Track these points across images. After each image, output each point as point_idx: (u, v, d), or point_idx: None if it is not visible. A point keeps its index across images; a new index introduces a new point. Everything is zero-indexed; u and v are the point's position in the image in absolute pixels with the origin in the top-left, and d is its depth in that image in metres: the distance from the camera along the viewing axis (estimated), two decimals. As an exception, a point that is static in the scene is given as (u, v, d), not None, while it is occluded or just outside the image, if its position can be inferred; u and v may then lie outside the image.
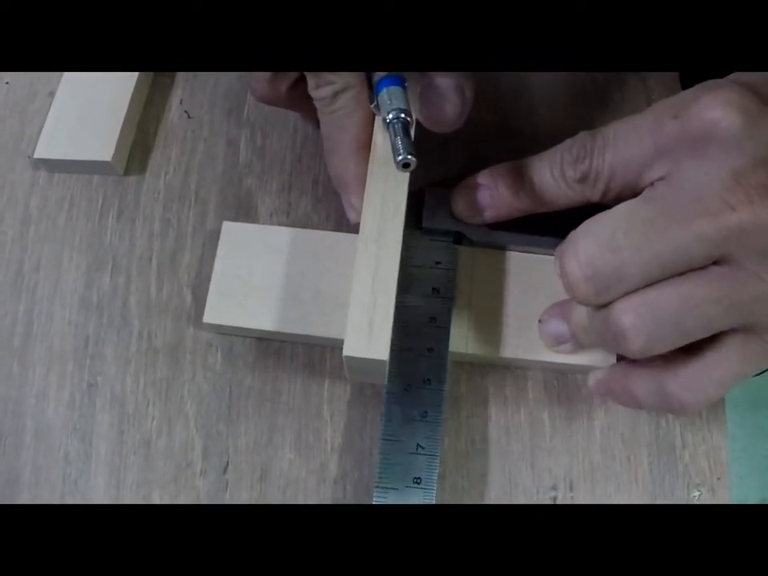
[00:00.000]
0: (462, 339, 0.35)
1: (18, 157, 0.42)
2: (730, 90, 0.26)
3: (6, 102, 0.44)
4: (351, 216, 0.35)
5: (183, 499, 0.35)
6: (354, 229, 0.33)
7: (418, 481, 0.32)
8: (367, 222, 0.32)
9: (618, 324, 0.27)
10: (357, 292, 0.31)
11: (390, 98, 0.31)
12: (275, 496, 0.35)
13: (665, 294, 0.26)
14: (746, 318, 0.27)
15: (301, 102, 0.36)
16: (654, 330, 0.27)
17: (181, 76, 0.44)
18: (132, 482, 0.36)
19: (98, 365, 0.38)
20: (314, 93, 0.33)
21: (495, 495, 0.35)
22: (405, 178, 0.33)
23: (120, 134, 0.41)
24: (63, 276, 0.39)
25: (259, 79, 0.35)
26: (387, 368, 0.32)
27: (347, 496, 0.35)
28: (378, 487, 0.32)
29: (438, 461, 0.33)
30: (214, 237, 0.39)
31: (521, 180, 0.32)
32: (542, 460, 0.36)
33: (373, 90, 0.32)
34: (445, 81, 0.32)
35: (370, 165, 0.33)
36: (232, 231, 0.38)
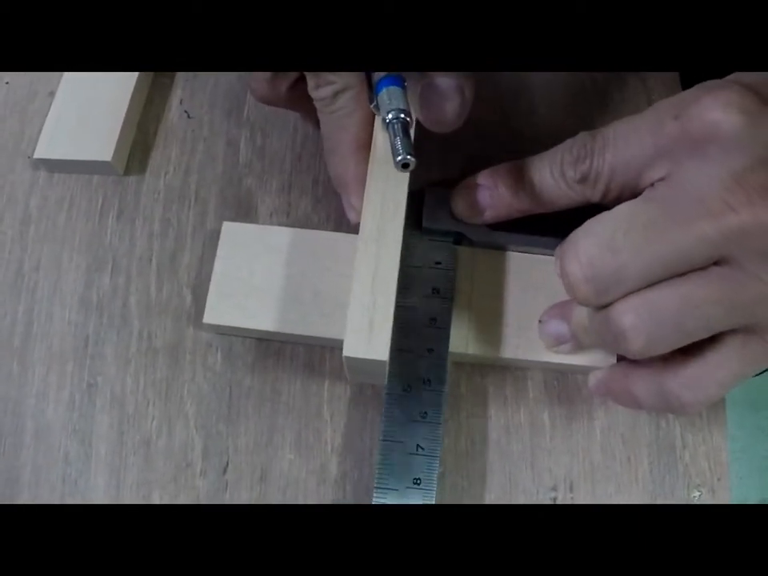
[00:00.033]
0: (462, 339, 0.35)
1: (17, 157, 0.42)
2: (731, 91, 0.26)
3: (6, 101, 0.44)
4: (351, 216, 0.35)
5: (183, 499, 0.35)
6: (354, 229, 0.33)
7: (418, 481, 0.32)
8: (367, 222, 0.32)
9: (618, 325, 0.27)
10: (357, 292, 0.31)
11: (390, 98, 0.31)
12: (275, 496, 0.35)
13: (665, 295, 0.26)
14: (747, 319, 0.27)
15: (301, 102, 0.35)
16: (654, 330, 0.27)
17: (181, 76, 0.44)
18: (132, 482, 0.36)
19: (97, 365, 0.37)
20: (314, 93, 0.33)
21: (495, 495, 0.35)
22: (405, 178, 0.33)
23: (120, 134, 0.41)
24: (63, 276, 0.39)
25: (259, 79, 0.35)
26: (387, 368, 0.32)
27: (347, 496, 0.35)
28: (377, 488, 0.32)
29: (437, 461, 0.33)
30: (214, 237, 0.38)
31: (521, 180, 0.32)
32: (542, 460, 0.36)
33: (372, 90, 0.32)
34: (445, 81, 0.32)
35: (370, 165, 0.33)
36: (232, 231, 0.38)
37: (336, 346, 0.36)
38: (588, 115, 0.42)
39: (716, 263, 0.26)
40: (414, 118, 0.32)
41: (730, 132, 0.25)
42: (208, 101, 0.43)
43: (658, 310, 0.26)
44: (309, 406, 0.36)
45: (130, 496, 0.35)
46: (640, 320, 0.27)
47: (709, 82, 0.27)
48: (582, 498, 0.35)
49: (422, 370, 0.34)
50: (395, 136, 0.30)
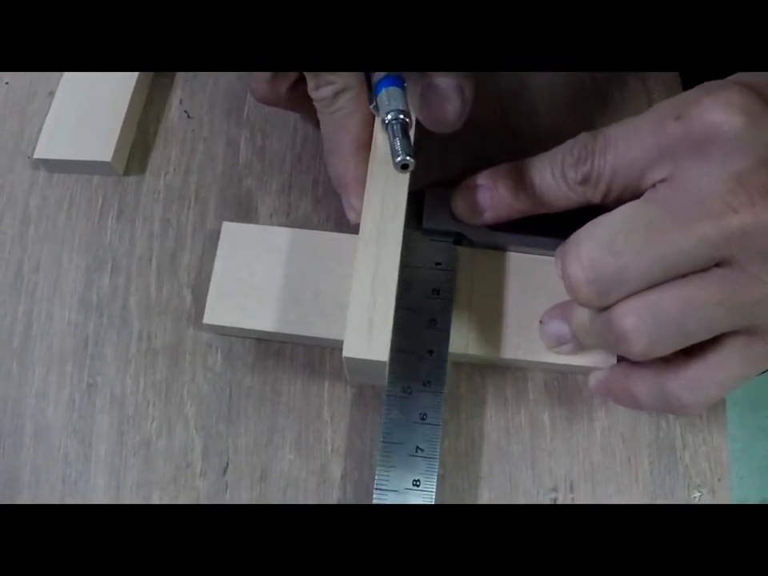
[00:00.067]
0: (462, 340, 0.35)
1: (17, 157, 0.42)
2: (732, 92, 0.26)
3: (6, 101, 0.44)
4: (351, 216, 0.35)
5: (183, 500, 0.35)
6: (354, 229, 0.33)
7: (417, 483, 0.32)
8: (367, 223, 0.32)
9: (619, 326, 0.27)
10: (356, 293, 0.31)
11: (389, 98, 0.31)
12: (275, 497, 0.35)
13: (667, 297, 0.26)
14: (748, 320, 0.27)
15: (301, 102, 0.35)
16: (655, 332, 0.26)
17: (181, 76, 0.44)
18: (132, 482, 0.36)
19: (97, 365, 0.37)
20: (314, 93, 0.33)
21: (495, 496, 0.35)
22: (405, 178, 0.33)
23: (120, 134, 0.41)
24: (63, 276, 0.39)
25: (259, 80, 0.35)
26: (387, 369, 0.32)
27: (347, 497, 0.35)
28: (377, 489, 0.32)
29: (437, 463, 0.33)
30: (214, 237, 0.38)
31: (521, 181, 0.32)
32: (542, 461, 0.35)
33: (372, 91, 0.32)
34: (445, 81, 0.32)
35: (370, 165, 0.33)
36: (232, 231, 0.38)
37: (336, 346, 0.36)
38: (588, 115, 0.42)
39: (717, 264, 0.26)
40: (413, 119, 0.32)
41: (731, 133, 0.25)
42: (208, 101, 0.43)
43: (660, 312, 0.26)
44: (309, 406, 0.36)
45: (129, 496, 0.35)
46: (641, 322, 0.27)
47: (710, 83, 0.27)
48: (583, 498, 0.35)
49: (422, 372, 0.34)
50: (394, 137, 0.30)
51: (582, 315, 0.32)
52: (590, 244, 0.27)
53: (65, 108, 0.42)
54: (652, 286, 0.27)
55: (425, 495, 0.32)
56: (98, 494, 0.35)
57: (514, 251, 0.37)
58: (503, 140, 0.41)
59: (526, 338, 0.35)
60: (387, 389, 0.34)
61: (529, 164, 0.32)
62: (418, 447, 0.33)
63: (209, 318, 0.36)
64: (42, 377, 0.37)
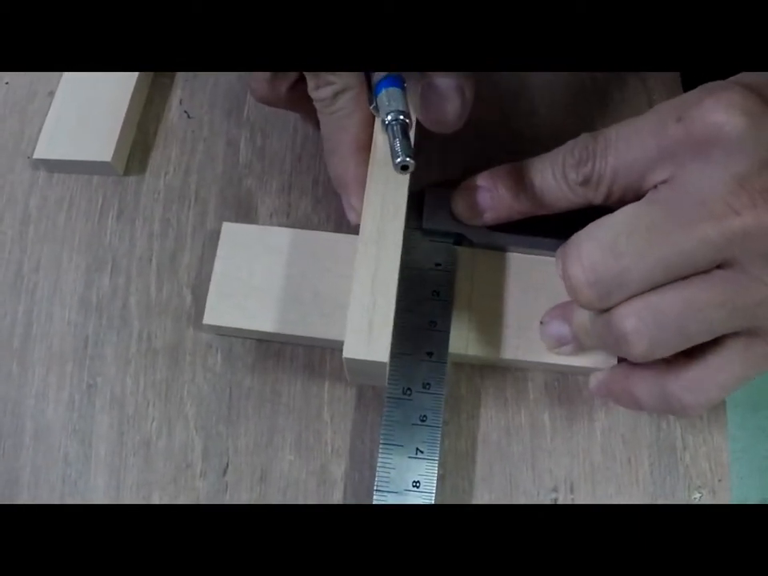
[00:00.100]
0: (462, 341, 0.35)
1: (17, 157, 0.42)
2: (733, 92, 0.26)
3: (6, 101, 0.44)
4: (351, 217, 0.35)
5: (183, 500, 0.35)
6: (354, 230, 0.33)
7: (417, 484, 0.32)
8: (367, 223, 0.32)
9: (620, 328, 0.27)
10: (356, 293, 0.31)
11: (389, 99, 0.31)
12: (275, 497, 0.35)
13: (668, 298, 0.26)
14: (750, 322, 0.27)
15: (301, 102, 0.35)
16: (656, 334, 0.26)
17: (180, 76, 0.44)
18: (132, 483, 0.35)
19: (97, 365, 0.37)
20: (314, 93, 0.33)
21: (496, 497, 0.35)
22: (405, 179, 0.33)
23: (120, 134, 0.41)
24: (63, 276, 0.39)
25: (259, 80, 0.35)
26: (387, 370, 0.32)
27: (347, 498, 0.35)
28: (377, 490, 0.32)
29: (437, 464, 0.33)
30: (214, 237, 0.38)
31: (521, 182, 0.32)
32: (542, 461, 0.35)
33: (372, 92, 0.32)
34: (445, 81, 0.32)
35: (370, 166, 0.33)
36: (232, 232, 0.38)
37: (336, 347, 0.35)
38: (588, 116, 0.42)
39: (719, 266, 0.26)
40: (413, 120, 0.32)
41: (732, 134, 0.25)
42: (208, 101, 0.43)
43: (661, 314, 0.26)
44: (309, 407, 0.36)
45: (129, 497, 0.35)
46: (642, 324, 0.27)
47: (711, 84, 0.27)
48: (583, 499, 0.35)
49: (422, 374, 0.34)
50: (394, 137, 0.30)
51: (582, 316, 0.32)
52: (592, 245, 0.27)
53: (65, 108, 0.42)
54: (653, 288, 0.27)
55: (425, 496, 0.32)
56: (98, 495, 0.35)
57: (515, 252, 0.37)
58: (503, 140, 0.41)
59: (527, 339, 0.35)
60: (387, 390, 0.34)
61: (529, 165, 0.32)
62: (417, 449, 0.33)
63: (209, 319, 0.36)
64: (42, 377, 0.37)
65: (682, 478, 0.35)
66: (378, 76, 0.32)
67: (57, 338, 0.38)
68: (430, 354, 0.34)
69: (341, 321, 0.33)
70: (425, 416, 0.33)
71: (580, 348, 0.34)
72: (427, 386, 0.34)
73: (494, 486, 0.35)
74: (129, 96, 0.41)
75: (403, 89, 0.31)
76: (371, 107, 0.33)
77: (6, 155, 0.42)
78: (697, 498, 0.35)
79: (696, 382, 0.28)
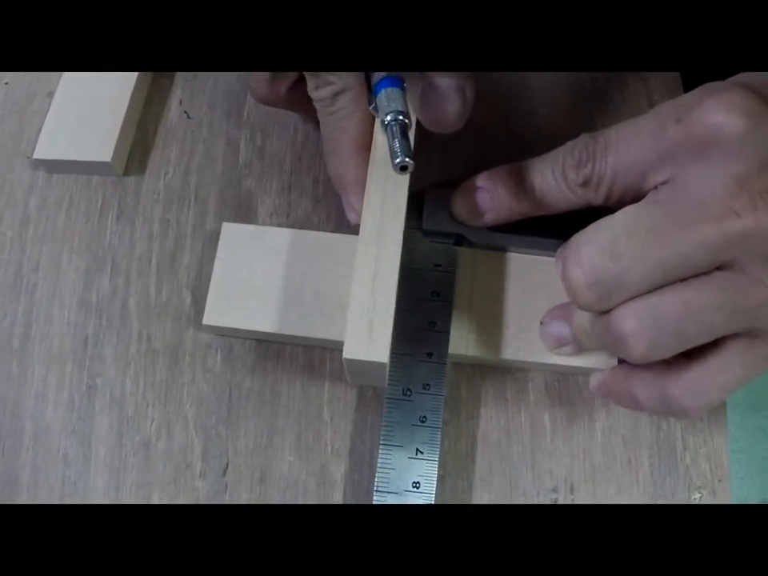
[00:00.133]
0: (462, 341, 0.35)
1: (17, 157, 0.42)
2: (733, 93, 0.26)
3: (6, 102, 0.44)
4: (351, 217, 0.35)
5: (183, 501, 0.35)
6: (354, 230, 0.33)
7: (417, 485, 0.32)
8: (367, 224, 0.32)
9: (619, 329, 0.27)
10: (356, 294, 0.31)
11: (388, 99, 0.31)
12: (275, 498, 0.35)
13: (667, 300, 0.26)
14: (750, 323, 0.27)
15: (300, 102, 0.35)
16: (655, 335, 0.26)
17: (180, 76, 0.44)
18: (131, 483, 0.35)
19: (97, 366, 0.37)
20: (314, 94, 0.33)
21: (495, 497, 0.35)
22: (405, 179, 0.32)
23: (119, 134, 0.40)
24: (62, 277, 0.39)
25: (259, 80, 0.35)
26: (387, 371, 0.32)
27: (347, 498, 0.35)
28: (377, 491, 0.32)
29: (437, 465, 0.33)
30: (214, 238, 0.38)
31: (521, 183, 0.32)
32: (542, 462, 0.35)
33: (371, 92, 0.32)
34: (445, 81, 0.32)
35: (370, 166, 0.33)
36: (232, 232, 0.38)
37: (336, 347, 0.35)
38: (588, 116, 0.42)
39: (719, 268, 0.26)
40: (412, 120, 0.32)
41: (732, 135, 0.25)
42: (208, 101, 0.43)
43: (660, 316, 0.26)
44: (309, 407, 0.36)
45: (129, 497, 0.35)
46: (642, 325, 0.26)
47: (711, 84, 0.27)
48: (583, 499, 0.35)
49: (422, 374, 0.34)
50: (393, 138, 0.30)
51: (582, 317, 0.32)
52: (591, 247, 0.27)
53: (64, 108, 0.41)
54: (652, 290, 0.26)
55: (425, 497, 0.32)
56: (98, 495, 0.35)
57: (515, 252, 0.37)
58: (503, 141, 0.41)
59: (527, 339, 0.35)
60: (387, 391, 0.34)
61: (529, 165, 0.32)
62: (417, 449, 0.33)
63: (208, 319, 0.36)
64: (42, 378, 0.37)
65: (682, 478, 0.35)
66: (377, 76, 0.32)
67: (56, 339, 0.38)
68: (429, 354, 0.34)
69: (341, 321, 0.33)
70: (425, 417, 0.33)
71: (580, 349, 0.34)
72: (427, 387, 0.34)
73: (494, 486, 0.35)
74: (128, 96, 0.41)
75: (403, 89, 0.31)
76: (370, 108, 0.33)
77: (5, 155, 0.42)
78: (697, 498, 0.35)
79: (696, 384, 0.28)
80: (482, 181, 0.34)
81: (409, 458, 0.33)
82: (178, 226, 0.40)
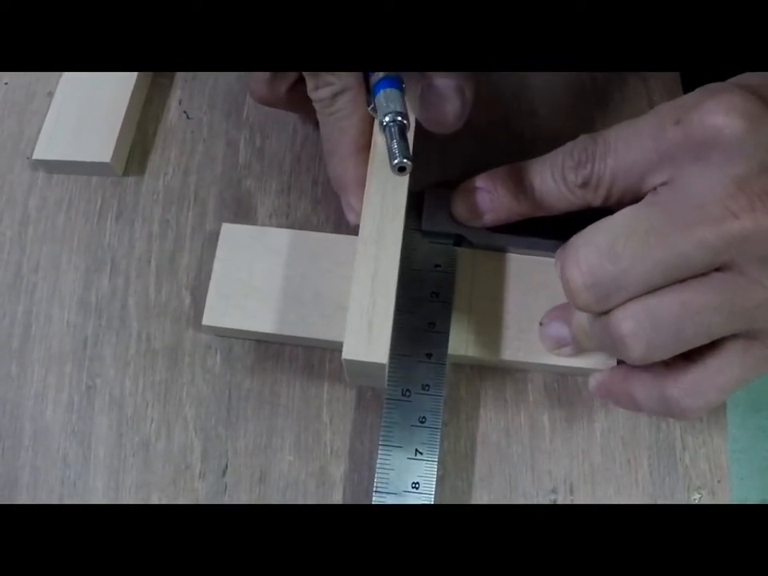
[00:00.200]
0: (461, 342, 0.35)
1: (16, 157, 0.42)
2: (733, 95, 0.26)
3: (5, 102, 0.44)
4: (351, 218, 0.35)
5: (182, 501, 0.35)
6: (354, 230, 0.33)
7: (417, 485, 0.32)
8: (367, 224, 0.32)
9: (617, 331, 0.27)
10: (356, 294, 0.31)
11: (387, 100, 0.31)
12: (274, 498, 0.35)
13: (665, 301, 0.26)
14: (748, 325, 0.27)
15: (300, 103, 0.35)
16: (654, 337, 0.26)
17: (180, 77, 0.44)
18: (131, 484, 0.35)
19: (96, 366, 0.37)
20: (313, 94, 0.33)
21: (495, 498, 0.35)
22: (404, 179, 0.32)
23: (119, 135, 0.40)
24: (62, 277, 0.39)
25: (258, 80, 0.35)
26: (387, 371, 0.32)
27: (347, 499, 0.35)
28: (376, 491, 0.32)
29: (436, 466, 0.33)
30: (213, 238, 0.38)
31: (520, 183, 0.32)
32: (541, 462, 0.35)
33: (370, 93, 0.32)
34: (444, 81, 0.32)
35: (369, 166, 0.33)
36: (231, 233, 0.38)
37: (336, 348, 0.35)
38: (588, 116, 0.42)
39: (717, 269, 0.26)
40: (411, 121, 0.32)
41: (732, 137, 0.25)
42: (207, 102, 0.43)
43: (658, 317, 0.26)
44: (308, 408, 0.36)
45: (128, 498, 0.35)
46: (640, 327, 0.26)
47: (711, 85, 0.27)
48: (582, 500, 0.35)
49: (421, 375, 0.34)
50: (392, 139, 0.30)
51: (581, 318, 0.32)
52: (589, 249, 0.27)
53: (64, 109, 0.41)
54: (651, 291, 0.26)
55: (424, 497, 0.32)
56: (97, 496, 0.35)
57: (514, 253, 0.37)
58: (503, 141, 0.41)
59: (526, 340, 0.35)
60: (386, 392, 0.34)
61: (528, 166, 0.32)
62: (417, 450, 0.33)
63: (208, 320, 0.36)
64: (41, 378, 0.37)
65: (681, 479, 0.35)
66: (376, 77, 0.32)
67: (56, 339, 0.38)
68: (429, 355, 0.34)
69: (340, 322, 0.33)
70: (424, 417, 0.33)
71: (579, 349, 0.34)
72: (426, 388, 0.34)
73: (494, 487, 0.35)
74: (128, 97, 0.41)
75: (401, 90, 0.31)
76: (369, 108, 0.33)
77: (5, 156, 0.42)
78: (696, 498, 0.35)
79: (695, 385, 0.28)
80: (481, 181, 0.34)
81: (408, 458, 0.33)
82: (178, 227, 0.40)
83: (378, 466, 0.33)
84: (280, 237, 0.38)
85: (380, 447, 0.33)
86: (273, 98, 0.36)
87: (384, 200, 0.32)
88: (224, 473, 0.35)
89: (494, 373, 0.37)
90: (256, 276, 0.37)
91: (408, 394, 0.34)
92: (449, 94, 0.32)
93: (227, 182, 0.41)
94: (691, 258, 0.25)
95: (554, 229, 0.33)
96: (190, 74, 0.44)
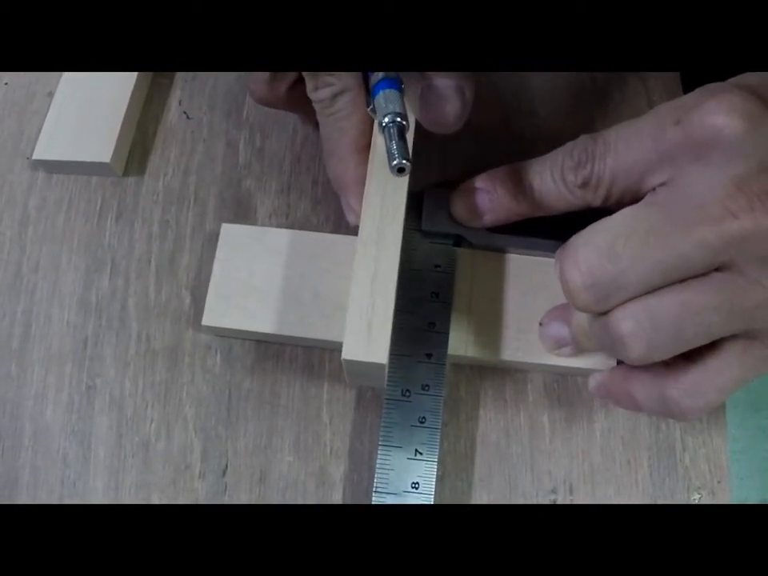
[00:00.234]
0: (461, 342, 0.35)
1: (16, 157, 0.42)
2: (733, 95, 0.26)
3: (5, 102, 0.44)
4: (350, 218, 0.35)
5: (182, 502, 0.35)
6: (354, 231, 0.33)
7: (416, 486, 0.32)
8: (366, 225, 0.32)
9: (617, 331, 0.27)
10: (355, 295, 0.31)
11: (386, 101, 0.31)
12: (274, 498, 0.35)
13: (665, 301, 0.26)
14: (748, 325, 0.27)
15: (300, 103, 0.35)
16: (653, 337, 0.26)
17: (179, 77, 0.44)
18: (131, 484, 0.35)
19: (96, 367, 0.37)
20: (313, 95, 0.33)
21: (494, 498, 0.35)
22: (404, 180, 0.32)
23: (119, 135, 0.40)
24: (62, 277, 0.39)
25: (258, 81, 0.35)
26: (386, 371, 0.32)
27: (346, 499, 0.35)
28: (376, 491, 0.32)
29: (436, 466, 0.33)
30: (213, 238, 0.38)
31: (520, 184, 0.32)
32: (541, 463, 0.35)
33: (369, 93, 0.32)
34: (444, 81, 0.32)
35: (369, 167, 0.33)
36: (231, 233, 0.38)
37: (335, 348, 0.35)
38: (588, 116, 0.42)
39: (717, 269, 0.26)
40: (411, 122, 0.32)
41: (731, 137, 0.25)
42: (207, 102, 0.43)
43: (658, 317, 0.26)
44: (308, 408, 0.36)
45: (128, 498, 0.35)
46: (639, 327, 0.26)
47: (710, 85, 0.27)
48: (582, 500, 0.35)
49: (421, 375, 0.34)
50: (391, 140, 0.30)
51: (581, 318, 0.31)
52: (588, 249, 0.27)
53: (64, 109, 0.41)
54: (650, 291, 0.26)
55: (424, 498, 0.32)
56: (97, 496, 0.35)
57: (514, 253, 0.37)
58: (503, 141, 0.41)
59: (526, 340, 0.35)
60: (386, 392, 0.34)
61: (528, 167, 0.32)
62: (416, 450, 0.33)
63: (208, 320, 0.36)
64: (41, 378, 0.37)
65: (681, 479, 0.35)
66: (375, 78, 0.32)
67: (56, 339, 0.38)
68: (429, 355, 0.34)
69: (340, 322, 0.32)
70: (424, 417, 0.33)
71: (579, 349, 0.34)
72: (426, 388, 0.34)
73: (493, 487, 0.35)
74: (128, 97, 0.41)
75: (401, 90, 0.31)
76: (368, 109, 0.33)
77: (5, 156, 0.42)
78: (696, 499, 0.35)
79: (694, 386, 0.28)
80: (481, 182, 0.34)
81: (408, 458, 0.33)
82: (178, 227, 0.40)
83: (377, 466, 0.33)
84: (280, 237, 0.38)
85: (380, 447, 0.33)
86: (273, 99, 0.36)
87: (384, 201, 0.32)
88: (224, 473, 0.35)
89: (493, 373, 0.37)
90: (256, 276, 0.37)
91: (408, 394, 0.34)
92: (449, 94, 0.32)
93: (227, 182, 0.41)
94: (691, 258, 0.25)
95: (553, 229, 0.33)
96: (190, 74, 0.44)
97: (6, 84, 0.44)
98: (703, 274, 0.26)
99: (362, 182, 0.33)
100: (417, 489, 0.32)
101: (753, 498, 0.86)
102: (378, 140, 0.33)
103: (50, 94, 0.43)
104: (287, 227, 0.39)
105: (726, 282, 0.26)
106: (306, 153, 0.42)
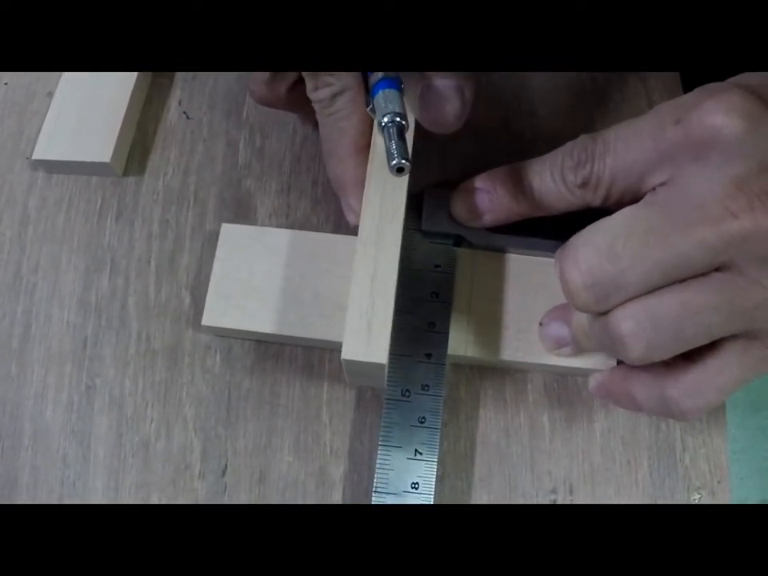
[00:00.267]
0: (461, 342, 0.35)
1: (16, 157, 0.42)
2: (733, 95, 0.26)
3: (5, 102, 0.44)
4: (350, 218, 0.35)
5: (182, 501, 0.35)
6: (354, 231, 0.33)
7: (416, 486, 0.32)
8: (366, 224, 0.32)
9: (617, 331, 0.27)
10: (355, 295, 0.31)
11: (386, 101, 0.31)
12: (274, 498, 0.35)
13: (665, 301, 0.26)
14: (747, 325, 0.27)
15: (300, 103, 0.35)
16: (653, 337, 0.26)
17: (179, 77, 0.44)
18: (130, 484, 0.35)
19: (96, 367, 0.37)
20: (313, 95, 0.33)
21: (494, 498, 0.35)
22: (404, 180, 0.32)
23: (119, 135, 0.40)
24: (62, 277, 0.39)
25: (258, 81, 0.35)
26: (386, 371, 0.32)
27: (346, 499, 0.35)
28: (376, 492, 0.32)
29: (436, 466, 0.33)
30: (213, 238, 0.38)
31: (520, 184, 0.32)
32: (541, 463, 0.35)
33: (369, 93, 0.32)
34: (444, 81, 0.32)
35: (369, 167, 0.33)
36: (231, 233, 0.38)
37: (335, 348, 0.35)
38: (588, 116, 0.42)
39: (717, 269, 0.26)
40: (410, 122, 0.32)
41: (731, 137, 0.25)
42: (207, 102, 0.43)
43: (658, 317, 0.26)
44: (308, 408, 0.36)
45: (128, 498, 0.35)
46: (639, 327, 0.26)
47: (710, 85, 0.27)
48: (582, 500, 0.35)
49: (421, 375, 0.34)
50: (390, 140, 0.30)
51: (581, 318, 0.31)
52: (588, 249, 0.27)
53: (64, 109, 0.41)
54: (651, 291, 0.26)
55: (424, 498, 0.32)
56: (97, 496, 0.35)
57: (514, 253, 0.37)
58: (503, 141, 0.41)
59: (526, 340, 0.35)
60: (386, 392, 0.34)
61: (528, 166, 0.32)
62: (416, 450, 0.33)
63: (208, 320, 0.36)
64: (41, 378, 0.37)
65: (681, 479, 0.35)
66: (374, 77, 0.32)
67: (56, 339, 0.38)
68: (428, 355, 0.34)
69: (340, 322, 0.32)
70: (423, 417, 0.33)
71: (579, 349, 0.34)
72: (426, 388, 0.34)
73: (493, 487, 0.35)
74: (128, 97, 0.41)
75: (400, 90, 0.31)
76: (368, 109, 0.33)
77: (4, 156, 0.42)
78: (696, 499, 0.35)
79: (694, 386, 0.28)
80: (480, 182, 0.34)
81: (408, 458, 0.33)
82: (177, 227, 0.40)
83: (377, 466, 0.33)
84: (280, 237, 0.38)
85: (379, 447, 0.33)
86: (272, 99, 0.36)
87: (383, 201, 0.32)
88: (224, 473, 0.35)
89: (493, 373, 0.37)
90: (256, 276, 0.37)
91: (408, 394, 0.34)
92: (449, 94, 0.32)
93: (227, 182, 0.41)
94: (691, 258, 0.25)
95: (553, 229, 0.33)
96: (190, 74, 0.44)
97: (5, 84, 0.44)
98: (703, 274, 0.26)
99: (361, 182, 0.33)
100: (417, 489, 0.32)
101: (753, 498, 0.85)
102: (378, 140, 0.33)
103: (50, 94, 0.43)
104: (287, 227, 0.39)
105: (726, 282, 0.26)
106: (305, 153, 0.42)
